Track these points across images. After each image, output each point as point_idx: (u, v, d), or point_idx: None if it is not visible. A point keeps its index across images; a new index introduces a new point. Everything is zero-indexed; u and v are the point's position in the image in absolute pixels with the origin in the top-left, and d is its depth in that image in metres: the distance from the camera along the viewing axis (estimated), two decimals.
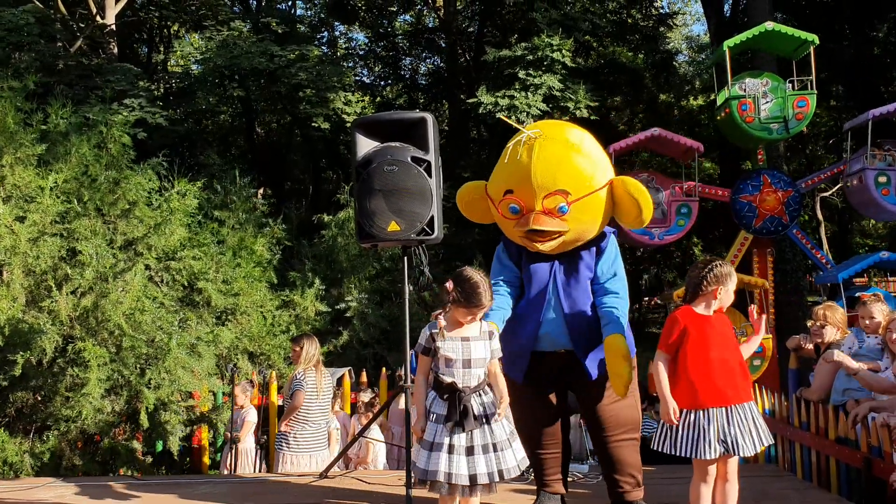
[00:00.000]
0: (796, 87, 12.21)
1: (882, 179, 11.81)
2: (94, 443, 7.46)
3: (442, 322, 3.71)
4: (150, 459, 7.81)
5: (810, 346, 6.30)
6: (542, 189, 3.98)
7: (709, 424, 3.66)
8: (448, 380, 3.63)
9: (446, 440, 3.57)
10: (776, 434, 5.81)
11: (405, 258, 5.01)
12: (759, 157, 12.59)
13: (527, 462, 3.78)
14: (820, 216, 25.88)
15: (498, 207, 4.18)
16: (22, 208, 7.43)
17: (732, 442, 3.66)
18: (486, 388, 3.70)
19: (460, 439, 3.58)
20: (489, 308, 3.73)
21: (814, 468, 5.24)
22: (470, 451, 3.58)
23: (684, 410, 3.72)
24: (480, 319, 3.73)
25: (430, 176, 4.70)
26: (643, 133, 12.49)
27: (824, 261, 12.59)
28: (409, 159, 4.69)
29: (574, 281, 4.11)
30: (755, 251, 12.50)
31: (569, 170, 3.99)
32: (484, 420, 3.62)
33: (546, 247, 4.06)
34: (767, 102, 11.94)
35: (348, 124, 15.94)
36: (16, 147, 7.57)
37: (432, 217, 4.69)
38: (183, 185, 8.85)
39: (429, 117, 4.81)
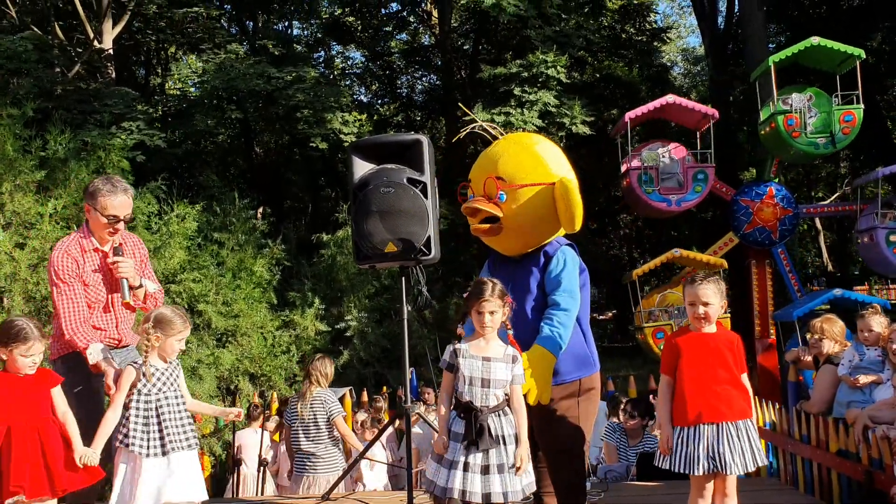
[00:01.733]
0: (841, 102, 12.25)
1: (893, 238, 11.88)
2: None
3: (461, 330, 3.74)
4: None
5: (809, 359, 6.31)
6: (483, 173, 4.18)
7: (697, 441, 3.69)
8: (466, 398, 3.66)
9: (462, 458, 3.58)
10: (777, 447, 5.81)
11: (403, 278, 5.04)
12: (774, 168, 12.65)
13: (533, 488, 3.76)
14: (819, 225, 25.94)
15: (460, 199, 4.30)
16: (22, 235, 7.48)
17: (721, 459, 3.67)
18: (506, 409, 3.70)
19: (476, 458, 3.57)
20: (498, 306, 3.69)
21: (815, 481, 5.23)
22: (486, 469, 3.58)
23: (677, 427, 3.76)
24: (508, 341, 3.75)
25: (426, 197, 4.73)
26: (657, 101, 12.51)
27: (796, 287, 12.62)
28: (405, 180, 4.72)
29: (521, 290, 4.05)
30: (754, 262, 12.55)
31: (507, 160, 4.14)
32: (503, 441, 3.63)
33: (479, 229, 4.15)
34: (812, 117, 12.01)
35: (346, 143, 16.02)
36: (15, 174, 7.64)
37: (429, 237, 4.71)
38: (182, 208, 8.92)
39: (424, 139, 4.85)
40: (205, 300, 8.68)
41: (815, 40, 12.16)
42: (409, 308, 5.18)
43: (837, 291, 11.33)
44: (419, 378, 9.26)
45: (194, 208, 8.92)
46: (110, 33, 16.71)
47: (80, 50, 16.95)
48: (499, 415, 3.65)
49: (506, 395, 3.71)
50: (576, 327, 4.03)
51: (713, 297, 3.80)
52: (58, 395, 3.79)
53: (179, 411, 3.91)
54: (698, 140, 12.78)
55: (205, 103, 16.12)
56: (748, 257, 12.66)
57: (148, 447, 3.79)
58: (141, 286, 4.22)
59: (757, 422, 6.02)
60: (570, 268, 4.04)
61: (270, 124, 17.87)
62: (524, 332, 3.95)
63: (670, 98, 12.28)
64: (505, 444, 3.62)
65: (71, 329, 4.10)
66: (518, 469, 3.63)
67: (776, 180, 12.75)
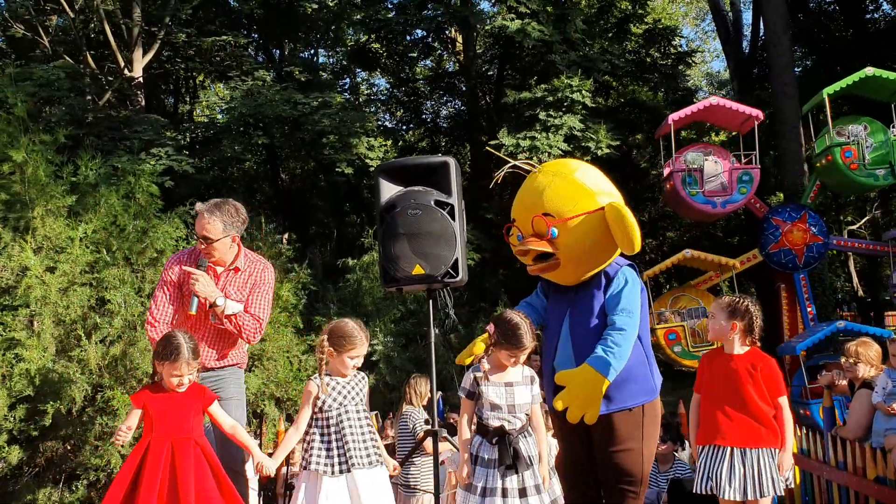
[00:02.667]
0: None
1: None
2: None
3: (486, 365, 3.71)
4: None
5: (844, 383, 6.20)
6: (529, 211, 4.05)
7: (703, 461, 3.75)
8: (495, 424, 3.64)
9: (500, 484, 3.57)
10: (811, 473, 5.69)
11: (430, 301, 5.02)
12: (813, 194, 12.50)
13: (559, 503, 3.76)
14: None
15: (509, 241, 4.19)
16: (52, 259, 7.55)
17: (716, 482, 3.63)
18: (528, 429, 3.72)
19: (512, 482, 3.58)
20: (531, 350, 3.70)
21: None
22: (523, 492, 3.58)
23: (699, 447, 3.83)
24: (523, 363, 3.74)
25: (453, 219, 4.73)
26: (701, 103, 12.44)
27: (811, 317, 12.40)
28: (432, 203, 4.73)
29: (585, 316, 3.94)
30: (783, 286, 12.39)
31: (552, 194, 4.02)
32: (531, 461, 3.63)
33: (535, 269, 4.06)
34: (869, 148, 11.88)
35: (371, 168, 16.10)
36: (47, 199, 7.73)
37: (456, 259, 4.70)
38: None
39: (451, 161, 4.86)
40: None
41: (869, 71, 12.02)
42: (437, 331, 5.16)
43: (841, 323, 11.08)
44: (445, 402, 9.19)
45: None
46: (140, 62, 17.01)
47: (111, 78, 17.25)
48: (524, 436, 3.67)
49: (527, 415, 3.70)
50: (638, 348, 3.87)
51: (718, 311, 3.78)
52: (217, 412, 3.79)
53: (361, 427, 3.83)
54: (741, 142, 12.67)
55: (232, 129, 16.31)
56: (776, 281, 12.53)
57: (329, 465, 3.73)
58: (217, 304, 4.11)
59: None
60: (629, 287, 3.93)
61: (296, 150, 18.03)
62: (589, 355, 3.77)
63: (714, 100, 12.20)
64: (534, 464, 3.65)
65: (147, 321, 4.28)
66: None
67: (812, 206, 12.61)
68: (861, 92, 12.96)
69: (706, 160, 12.01)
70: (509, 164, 4.24)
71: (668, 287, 18.28)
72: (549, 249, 3.97)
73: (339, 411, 3.82)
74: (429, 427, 6.06)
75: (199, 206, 4.29)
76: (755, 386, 3.66)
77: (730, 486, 3.62)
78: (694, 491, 3.77)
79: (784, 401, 3.64)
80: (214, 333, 4.31)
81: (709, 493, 3.70)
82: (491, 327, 3.71)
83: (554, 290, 4.20)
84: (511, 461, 3.57)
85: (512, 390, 3.66)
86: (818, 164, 12.52)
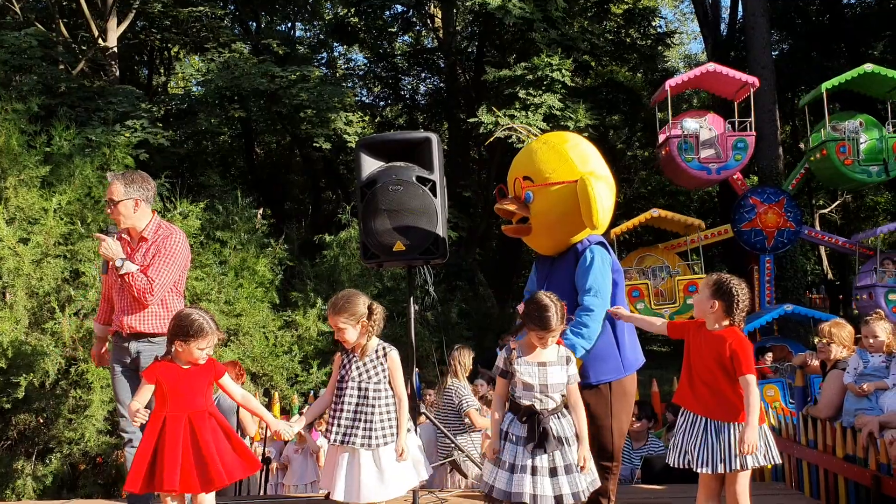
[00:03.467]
0: (893, 130, 12.17)
1: (892, 297, 11.84)
2: (97, 465, 7.42)
3: (513, 344, 3.72)
4: None
5: (816, 363, 6.30)
6: (513, 173, 4.28)
7: (678, 432, 3.82)
8: (526, 403, 3.65)
9: (529, 462, 3.58)
10: (783, 452, 5.78)
11: (409, 277, 5.01)
12: (795, 182, 12.60)
13: (597, 484, 3.73)
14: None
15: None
16: (25, 230, 7.44)
17: (692, 456, 3.72)
18: (564, 410, 3.71)
19: (542, 461, 3.58)
20: (560, 331, 3.70)
21: (821, 486, 5.21)
22: (553, 472, 3.59)
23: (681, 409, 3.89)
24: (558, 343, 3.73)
25: (435, 195, 4.72)
26: (698, 69, 12.48)
27: (768, 300, 12.55)
28: (414, 179, 4.71)
29: (557, 289, 4.00)
30: (755, 268, 12.53)
31: (535, 159, 4.18)
32: (565, 441, 3.63)
33: (508, 229, 4.30)
34: (863, 143, 11.95)
35: (349, 144, 16.00)
36: (19, 169, 7.60)
37: (438, 236, 4.70)
38: (185, 206, 8.89)
39: (433, 137, 4.84)
40: (207, 298, 8.63)
41: (868, 67, 12.09)
42: (416, 307, 5.15)
43: (788, 307, 11.26)
44: (421, 380, 9.22)
45: (197, 206, 8.89)
46: (115, 31, 16.70)
47: (85, 48, 16.94)
48: (558, 417, 3.67)
49: (563, 396, 3.70)
50: (606, 327, 4.00)
51: (704, 287, 3.85)
52: (227, 383, 3.84)
53: (365, 404, 3.86)
54: (736, 110, 12.71)
55: (208, 102, 16.10)
56: (751, 262, 12.67)
57: (334, 437, 3.84)
58: (117, 265, 4.36)
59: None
60: (597, 266, 4.02)
61: (273, 124, 17.85)
62: None
63: (711, 66, 12.21)
64: (568, 444, 3.64)
65: None
66: (583, 468, 3.65)
67: (792, 192, 12.71)
68: (859, 88, 13.06)
69: (702, 128, 12.05)
70: (506, 126, 4.30)
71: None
72: (516, 210, 4.16)
73: (353, 385, 3.89)
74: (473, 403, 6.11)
75: (108, 174, 4.69)
76: (725, 363, 3.71)
77: (702, 459, 3.68)
78: (668, 462, 3.82)
79: (750, 378, 3.66)
80: (126, 302, 4.47)
81: (684, 467, 3.76)
82: (521, 307, 3.71)
83: (539, 261, 4.34)
84: (539, 440, 3.57)
85: (545, 370, 3.65)
86: (812, 158, 12.61)
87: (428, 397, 8.98)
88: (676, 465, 3.79)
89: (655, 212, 12.13)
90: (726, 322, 3.76)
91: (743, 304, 3.76)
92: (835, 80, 12.18)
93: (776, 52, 21.15)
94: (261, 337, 9.24)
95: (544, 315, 3.60)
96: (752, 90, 12.09)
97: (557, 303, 3.65)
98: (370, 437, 3.81)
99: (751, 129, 12.15)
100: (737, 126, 12.22)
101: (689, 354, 3.86)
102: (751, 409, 3.63)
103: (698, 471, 3.73)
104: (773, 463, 3.78)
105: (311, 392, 9.24)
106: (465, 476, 6.12)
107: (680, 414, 3.87)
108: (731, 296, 3.74)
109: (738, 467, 3.66)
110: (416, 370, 8.10)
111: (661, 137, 12.58)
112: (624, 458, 6.74)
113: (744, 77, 12.07)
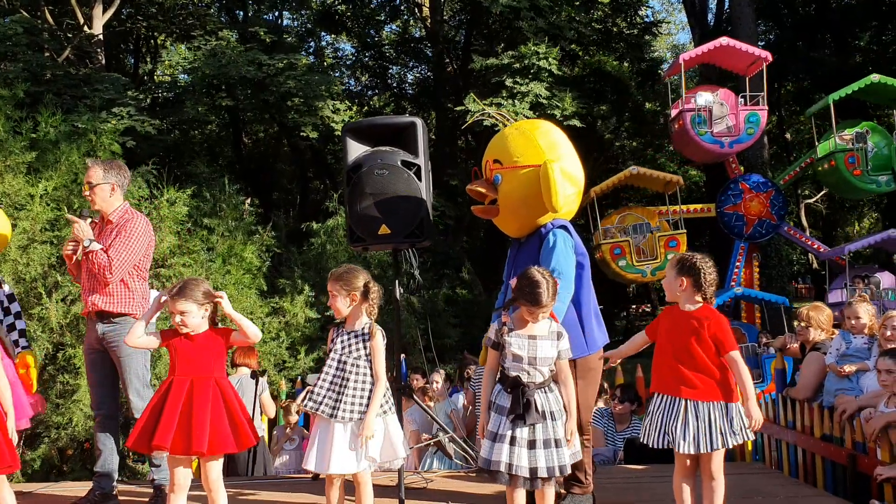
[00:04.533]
0: None
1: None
2: (84, 450, 7.45)
3: (505, 318, 3.78)
4: (144, 466, 7.80)
5: (796, 346, 6.39)
6: (486, 157, 4.44)
7: (658, 413, 3.81)
8: (513, 374, 3.71)
9: (509, 432, 3.64)
10: (762, 433, 5.88)
11: (395, 260, 5.06)
12: (787, 178, 12.67)
13: (578, 457, 3.81)
14: (805, 223, 26.13)
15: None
16: (12, 216, 7.43)
17: (672, 437, 3.75)
18: (552, 385, 3.75)
19: (523, 432, 3.63)
20: (551, 307, 3.73)
21: (800, 465, 5.32)
22: (532, 444, 3.63)
23: (655, 393, 3.89)
24: (549, 318, 3.78)
25: (420, 180, 4.75)
26: (711, 43, 12.48)
27: (817, 246, 12.65)
28: (399, 163, 4.74)
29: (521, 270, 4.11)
30: (740, 256, 12.65)
31: (506, 143, 4.34)
32: (549, 416, 3.67)
33: (476, 209, 4.45)
34: (870, 153, 11.98)
35: (336, 133, 15.99)
36: (5, 155, 7.60)
37: (422, 220, 4.73)
38: (172, 193, 8.90)
39: (418, 122, 4.87)
40: None
41: (875, 78, 12.12)
42: (401, 291, 5.20)
43: (738, 290, 11.36)
44: (408, 365, 9.28)
45: (184, 193, 8.91)
46: (100, 19, 16.61)
47: (70, 35, 16.84)
48: (545, 391, 3.70)
49: (551, 371, 3.75)
50: (570, 309, 4.10)
51: (669, 268, 3.90)
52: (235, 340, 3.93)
53: (341, 377, 3.90)
54: (748, 84, 12.72)
55: (195, 90, 16.05)
56: (735, 253, 12.78)
57: (311, 404, 3.89)
58: (84, 244, 4.57)
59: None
60: (560, 248, 4.12)
61: (261, 113, 17.80)
62: None
63: (724, 40, 12.21)
64: (553, 419, 3.67)
65: None
66: (569, 442, 3.70)
67: (783, 187, 12.81)
68: (865, 97, 13.09)
69: (714, 102, 12.07)
70: (480, 111, 4.42)
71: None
72: (485, 191, 4.33)
73: (332, 357, 3.97)
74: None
75: (89, 159, 4.90)
76: (703, 342, 3.73)
77: (684, 439, 3.72)
78: (645, 442, 3.86)
79: (735, 355, 3.70)
80: (95, 281, 4.58)
81: (665, 447, 3.80)
82: (514, 282, 3.77)
83: (511, 245, 4.48)
84: (521, 411, 3.62)
85: (535, 343, 3.69)
86: (820, 168, 12.65)
87: (415, 382, 9.07)
88: (655, 447, 3.82)
89: (635, 169, 12.22)
90: (698, 297, 3.80)
91: (710, 278, 3.79)
92: (842, 92, 12.22)
93: (762, 43, 21.23)
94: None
95: (536, 291, 3.64)
96: (764, 65, 12.07)
97: (549, 279, 3.69)
98: (338, 409, 3.84)
99: (763, 104, 12.16)
100: (748, 100, 12.22)
101: (664, 339, 3.89)
102: (744, 384, 3.67)
103: (680, 451, 3.77)
104: (747, 440, 3.84)
105: (299, 377, 9.29)
106: (450, 457, 6.18)
107: (655, 395, 3.92)
108: (696, 269, 3.79)
109: (720, 446, 3.71)
110: (402, 356, 8.18)
111: (674, 112, 12.55)
112: (608, 440, 6.84)
113: (756, 51, 12.07)
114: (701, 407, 3.72)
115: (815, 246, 12.77)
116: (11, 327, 5.10)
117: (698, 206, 12.80)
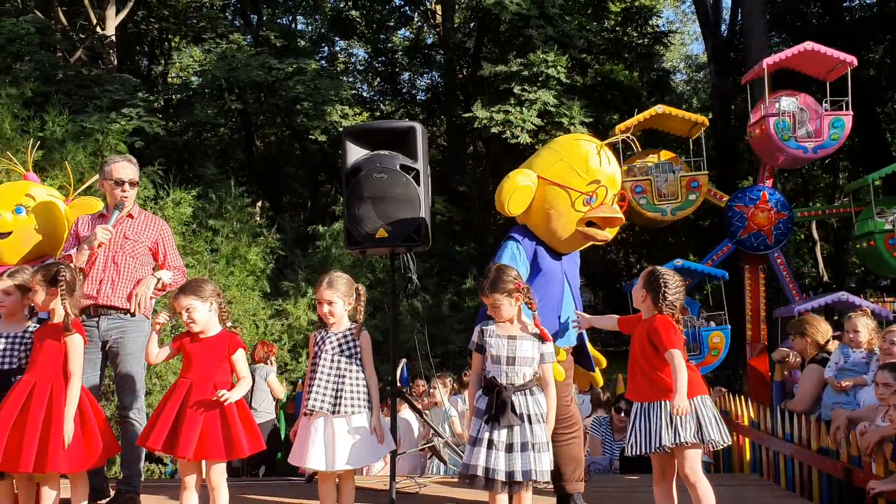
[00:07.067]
0: None
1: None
2: None
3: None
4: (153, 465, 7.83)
5: (798, 360, 6.35)
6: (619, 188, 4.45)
7: (631, 422, 3.95)
8: (491, 376, 3.71)
9: (486, 435, 3.62)
10: (760, 445, 5.85)
11: (392, 264, 5.07)
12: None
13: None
14: (816, 235, 25.97)
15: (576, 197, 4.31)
16: None
17: (636, 440, 3.84)
18: (534, 388, 3.73)
19: (500, 435, 3.61)
20: (488, 300, 3.77)
21: (796, 478, 5.28)
22: (510, 447, 3.61)
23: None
24: (532, 319, 3.81)
25: (418, 184, 4.76)
26: (795, 48, 12.24)
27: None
28: (398, 167, 4.75)
29: (573, 282, 4.40)
30: (747, 267, 12.57)
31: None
32: (527, 419, 3.65)
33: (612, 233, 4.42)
34: None
35: None
36: (12, 153, 7.64)
37: (420, 224, 4.74)
38: (178, 193, 8.95)
39: (418, 126, 4.88)
40: None
41: None
42: (400, 295, 5.20)
43: (678, 262, 11.29)
44: (409, 371, 9.28)
45: (189, 194, 8.96)
46: (113, 20, 16.74)
47: (83, 36, 16.97)
48: (525, 393, 3.68)
49: (535, 374, 3.74)
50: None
51: (640, 279, 4.02)
52: (238, 360, 3.99)
53: (337, 375, 3.94)
54: (828, 90, 12.57)
55: (205, 93, 16.13)
56: (741, 261, 12.67)
57: (308, 406, 3.93)
58: (163, 281, 4.68)
59: (741, 420, 6.08)
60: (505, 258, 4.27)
61: (271, 117, 17.87)
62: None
63: (808, 45, 12.02)
64: (531, 422, 3.65)
65: None
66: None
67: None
68: None
69: (795, 107, 11.90)
70: (619, 137, 4.57)
71: None
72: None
73: (324, 358, 4.00)
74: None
75: (117, 156, 4.94)
76: (651, 346, 3.85)
77: (638, 442, 3.80)
78: (626, 453, 3.95)
79: (674, 352, 3.74)
80: (119, 273, 4.61)
81: (633, 454, 3.88)
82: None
83: (544, 258, 4.37)
84: (494, 413, 3.60)
85: (514, 343, 3.69)
86: (857, 246, 12.49)
87: (417, 388, 9.06)
88: (628, 454, 3.93)
89: (660, 108, 12.06)
90: (654, 311, 3.90)
91: (672, 297, 3.86)
92: (882, 172, 12.10)
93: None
94: (251, 325, 9.31)
95: (481, 279, 3.78)
96: (848, 69, 11.93)
97: (502, 274, 3.75)
98: (340, 405, 3.88)
99: (847, 109, 12.02)
100: (831, 105, 12.05)
101: (631, 348, 4.01)
102: (676, 379, 3.70)
103: (636, 454, 3.85)
104: (704, 442, 3.79)
105: (300, 380, 9.30)
106: (445, 462, 6.17)
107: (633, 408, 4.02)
108: (659, 287, 3.87)
109: (664, 444, 3.73)
110: (403, 360, 8.17)
111: (754, 117, 12.38)
112: (605, 449, 6.83)
113: (840, 55, 11.86)
114: (649, 407, 3.82)
115: (792, 288, 12.63)
116: None
117: (720, 250, 12.64)
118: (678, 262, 11.29)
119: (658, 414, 3.76)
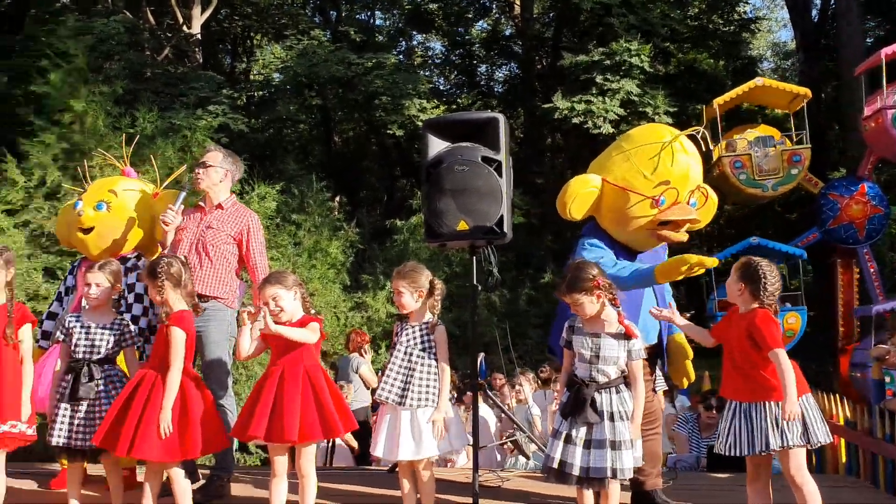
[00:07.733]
0: None
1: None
2: None
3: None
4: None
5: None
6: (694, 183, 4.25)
7: (724, 419, 3.78)
8: (576, 373, 3.70)
9: (565, 430, 3.62)
10: (856, 445, 5.60)
11: (473, 258, 5.03)
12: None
13: (639, 462, 3.73)
14: None
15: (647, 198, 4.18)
16: None
17: (734, 441, 3.67)
18: (621, 386, 3.68)
19: (580, 431, 3.59)
20: (567, 299, 3.72)
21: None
22: (588, 444, 3.58)
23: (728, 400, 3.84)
24: (620, 320, 3.71)
25: (500, 176, 4.69)
26: None
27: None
28: (479, 159, 4.69)
29: None
30: (840, 262, 12.11)
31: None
32: (611, 416, 3.59)
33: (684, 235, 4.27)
34: None
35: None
36: (105, 148, 7.89)
37: (502, 216, 4.66)
38: (263, 188, 9.11)
39: (500, 117, 4.81)
40: None
41: None
42: (479, 288, 5.16)
43: (754, 240, 10.73)
44: (488, 365, 9.25)
45: (274, 188, 9.12)
46: (198, 19, 17.19)
47: (170, 35, 17.48)
48: (609, 391, 3.63)
49: (622, 371, 3.67)
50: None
51: (733, 271, 3.81)
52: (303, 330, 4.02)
53: (408, 367, 3.96)
54: None
55: (287, 90, 16.41)
56: (834, 255, 12.21)
57: (378, 394, 3.98)
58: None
59: (836, 419, 5.84)
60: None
61: (350, 112, 18.07)
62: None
63: None
64: (613, 420, 3.59)
65: None
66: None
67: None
68: None
69: None
70: (688, 131, 4.39)
71: None
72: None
73: (403, 350, 4.01)
74: None
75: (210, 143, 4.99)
76: (752, 343, 3.66)
77: (738, 443, 3.64)
78: (716, 451, 3.78)
79: (778, 352, 3.57)
80: (200, 262, 4.64)
81: (728, 454, 3.70)
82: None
83: (620, 256, 4.29)
84: (570, 410, 3.59)
85: (598, 341, 3.64)
86: None
87: (497, 381, 9.03)
88: (723, 454, 3.75)
89: (759, 80, 11.67)
90: (755, 304, 3.71)
91: (772, 287, 3.70)
92: None
93: (870, 40, 20.24)
94: (332, 317, 9.43)
95: (562, 278, 3.73)
96: None
97: (580, 272, 3.66)
98: (407, 397, 3.89)
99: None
100: None
101: (726, 344, 3.83)
102: (785, 382, 3.55)
103: (735, 454, 3.68)
104: (811, 443, 3.64)
105: (379, 372, 9.36)
106: (528, 457, 6.11)
107: (727, 406, 3.84)
108: (758, 278, 3.70)
109: (771, 448, 3.58)
110: (482, 354, 8.13)
111: (868, 110, 11.90)
112: (692, 447, 6.66)
113: None
114: (751, 408, 3.65)
115: (877, 286, 11.99)
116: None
117: (807, 236, 12.14)
118: (754, 239, 10.93)
119: (762, 416, 3.59)
